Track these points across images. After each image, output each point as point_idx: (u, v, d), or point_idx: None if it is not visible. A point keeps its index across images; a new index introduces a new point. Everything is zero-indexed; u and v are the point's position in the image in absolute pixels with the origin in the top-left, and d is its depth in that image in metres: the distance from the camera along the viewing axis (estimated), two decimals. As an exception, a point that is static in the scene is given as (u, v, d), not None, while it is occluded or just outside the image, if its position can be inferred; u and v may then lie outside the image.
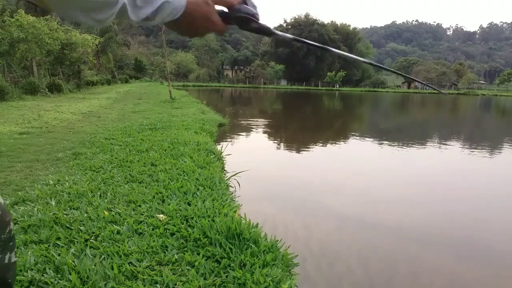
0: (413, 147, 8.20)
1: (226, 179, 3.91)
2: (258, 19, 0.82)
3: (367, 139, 9.13)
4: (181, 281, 1.82)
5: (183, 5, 0.73)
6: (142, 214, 2.57)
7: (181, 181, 3.31)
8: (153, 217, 2.52)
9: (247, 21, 0.81)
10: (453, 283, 2.51)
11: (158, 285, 1.77)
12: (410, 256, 2.85)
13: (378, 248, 2.93)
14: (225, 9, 0.82)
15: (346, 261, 2.68)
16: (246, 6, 0.81)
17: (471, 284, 2.53)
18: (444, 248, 3.00)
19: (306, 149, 7.44)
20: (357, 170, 5.68)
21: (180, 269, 1.93)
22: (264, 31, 0.85)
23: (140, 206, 2.72)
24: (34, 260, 1.90)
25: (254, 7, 0.83)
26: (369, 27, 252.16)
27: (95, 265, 1.86)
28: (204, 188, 3.22)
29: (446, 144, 8.72)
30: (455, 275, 2.60)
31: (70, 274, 1.77)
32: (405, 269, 2.64)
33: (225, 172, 4.51)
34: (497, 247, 3.09)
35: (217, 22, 0.79)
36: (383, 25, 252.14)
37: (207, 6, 0.76)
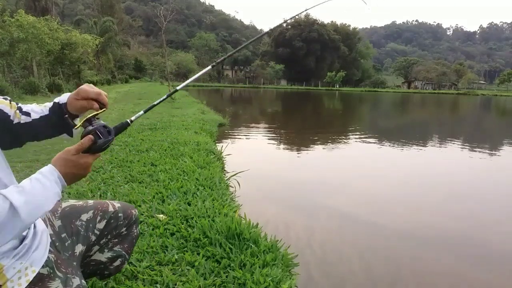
0: (414, 147, 8.20)
1: (226, 179, 3.91)
2: (111, 137, 0.95)
3: (368, 139, 9.12)
4: (181, 281, 1.82)
5: (57, 193, 0.93)
6: (142, 214, 2.56)
7: (181, 181, 3.32)
8: (153, 217, 2.52)
9: (112, 139, 0.95)
10: (455, 284, 2.51)
11: (158, 285, 1.77)
12: (412, 256, 2.84)
13: (379, 248, 2.93)
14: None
15: (347, 261, 2.68)
16: (100, 140, 0.92)
17: (473, 285, 2.53)
18: (447, 249, 3.00)
19: (306, 149, 7.44)
20: (358, 170, 5.68)
21: (180, 269, 1.93)
22: (122, 128, 1.05)
23: (140, 206, 2.72)
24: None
25: (104, 130, 0.94)
26: (369, 27, 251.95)
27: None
28: (204, 188, 3.22)
29: (448, 144, 8.72)
30: (458, 276, 2.60)
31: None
32: (407, 269, 2.64)
33: (225, 172, 4.51)
34: (500, 248, 3.08)
35: (88, 161, 0.94)
36: (383, 25, 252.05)
37: (72, 162, 0.92)
